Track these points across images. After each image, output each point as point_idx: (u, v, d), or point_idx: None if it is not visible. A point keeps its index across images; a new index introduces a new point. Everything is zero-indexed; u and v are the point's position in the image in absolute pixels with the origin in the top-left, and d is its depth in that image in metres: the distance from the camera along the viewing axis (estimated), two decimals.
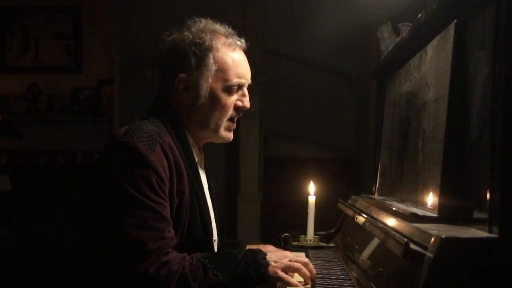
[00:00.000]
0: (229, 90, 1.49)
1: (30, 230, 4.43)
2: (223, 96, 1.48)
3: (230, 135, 1.55)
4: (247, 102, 1.53)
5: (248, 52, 1.56)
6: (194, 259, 1.34)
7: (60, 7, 5.21)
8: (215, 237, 1.54)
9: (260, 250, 1.43)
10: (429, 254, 0.94)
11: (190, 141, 1.50)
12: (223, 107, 1.49)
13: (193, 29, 1.50)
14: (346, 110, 5.10)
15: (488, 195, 0.99)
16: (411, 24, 1.67)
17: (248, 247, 1.79)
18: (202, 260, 1.34)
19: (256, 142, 4.42)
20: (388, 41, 2.04)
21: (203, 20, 1.53)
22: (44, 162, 5.12)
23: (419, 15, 1.49)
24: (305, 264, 1.46)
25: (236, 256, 1.38)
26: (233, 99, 1.50)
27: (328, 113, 5.02)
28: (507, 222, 0.93)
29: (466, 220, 1.12)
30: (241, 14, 4.55)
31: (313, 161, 4.70)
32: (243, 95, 1.53)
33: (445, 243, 0.92)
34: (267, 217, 4.42)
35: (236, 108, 1.52)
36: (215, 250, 1.52)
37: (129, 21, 4.62)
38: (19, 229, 4.02)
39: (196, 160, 1.51)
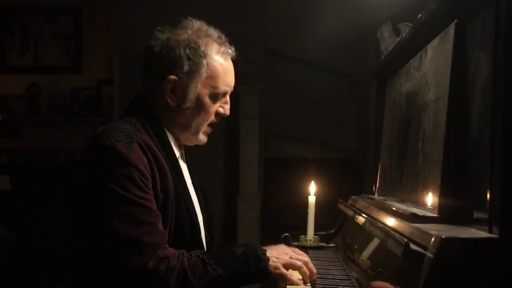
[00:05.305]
0: (215, 97, 1.51)
1: (30, 230, 4.42)
2: (208, 102, 1.50)
3: (205, 139, 1.57)
4: (227, 110, 1.56)
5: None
6: (192, 255, 1.35)
7: (60, 7, 5.21)
8: (202, 232, 1.53)
9: (260, 246, 1.43)
10: (429, 254, 0.94)
11: (170, 137, 1.51)
12: (206, 112, 1.50)
13: (189, 31, 1.50)
14: (346, 110, 5.09)
15: (488, 195, 0.99)
16: (411, 24, 1.67)
17: None
18: (200, 256, 1.34)
19: (256, 142, 4.41)
20: (388, 41, 2.04)
21: (197, 22, 1.52)
22: (44, 162, 5.11)
23: (419, 15, 1.49)
24: (305, 263, 1.46)
25: (235, 252, 1.38)
26: (216, 105, 1.52)
27: (328, 113, 5.01)
28: (507, 222, 0.93)
29: (466, 220, 1.12)
30: (242, 14, 4.54)
31: (313, 161, 4.68)
32: (226, 102, 1.55)
33: (445, 243, 0.92)
34: (267, 217, 4.41)
35: (217, 114, 1.54)
36: (204, 245, 1.52)
37: (129, 21, 4.61)
38: (19, 229, 4.01)
39: (178, 156, 1.51)
